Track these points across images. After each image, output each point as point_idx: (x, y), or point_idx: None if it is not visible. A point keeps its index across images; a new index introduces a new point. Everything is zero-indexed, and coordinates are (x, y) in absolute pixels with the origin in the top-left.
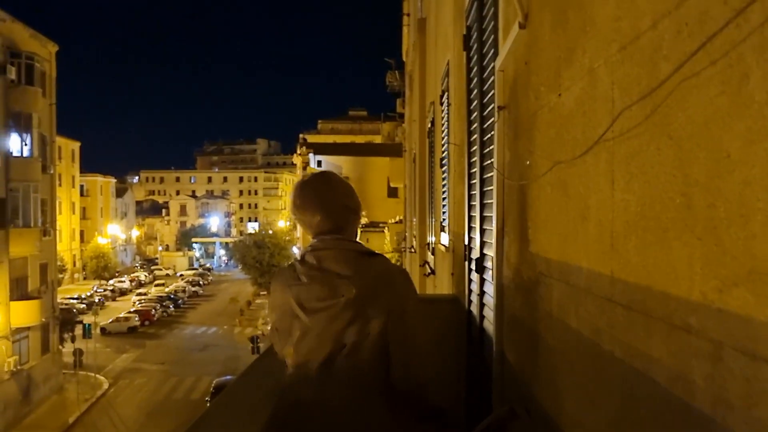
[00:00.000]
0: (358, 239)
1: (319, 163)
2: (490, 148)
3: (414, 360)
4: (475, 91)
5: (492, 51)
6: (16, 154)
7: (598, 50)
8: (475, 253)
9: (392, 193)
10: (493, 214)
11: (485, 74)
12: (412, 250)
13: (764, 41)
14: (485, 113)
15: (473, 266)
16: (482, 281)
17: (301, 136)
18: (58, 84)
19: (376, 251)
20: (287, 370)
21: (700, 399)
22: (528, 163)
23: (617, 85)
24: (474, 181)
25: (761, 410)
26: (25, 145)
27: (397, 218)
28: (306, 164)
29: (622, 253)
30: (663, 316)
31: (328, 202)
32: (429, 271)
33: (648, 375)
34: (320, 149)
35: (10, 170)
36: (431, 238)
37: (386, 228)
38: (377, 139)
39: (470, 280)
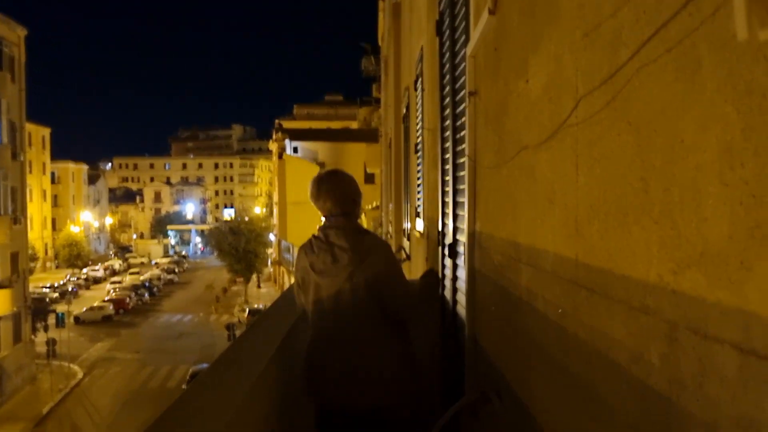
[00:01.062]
0: (359, 220)
1: (295, 149)
2: (462, 133)
3: (399, 301)
4: (448, 77)
5: (463, 37)
6: None
7: (563, 37)
8: (449, 239)
9: (369, 179)
10: (465, 200)
11: (457, 60)
12: (389, 236)
13: (715, 30)
14: (457, 99)
15: (446, 251)
16: (455, 266)
17: (276, 121)
18: (28, 69)
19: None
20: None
21: (656, 379)
22: (497, 148)
23: (581, 71)
24: (447, 167)
25: (711, 388)
26: None
27: (374, 204)
28: (282, 150)
29: (586, 237)
30: (623, 298)
31: (335, 193)
32: (405, 257)
33: (609, 357)
34: (296, 135)
35: None
36: (407, 224)
37: (363, 214)
38: (354, 125)
39: (443, 266)
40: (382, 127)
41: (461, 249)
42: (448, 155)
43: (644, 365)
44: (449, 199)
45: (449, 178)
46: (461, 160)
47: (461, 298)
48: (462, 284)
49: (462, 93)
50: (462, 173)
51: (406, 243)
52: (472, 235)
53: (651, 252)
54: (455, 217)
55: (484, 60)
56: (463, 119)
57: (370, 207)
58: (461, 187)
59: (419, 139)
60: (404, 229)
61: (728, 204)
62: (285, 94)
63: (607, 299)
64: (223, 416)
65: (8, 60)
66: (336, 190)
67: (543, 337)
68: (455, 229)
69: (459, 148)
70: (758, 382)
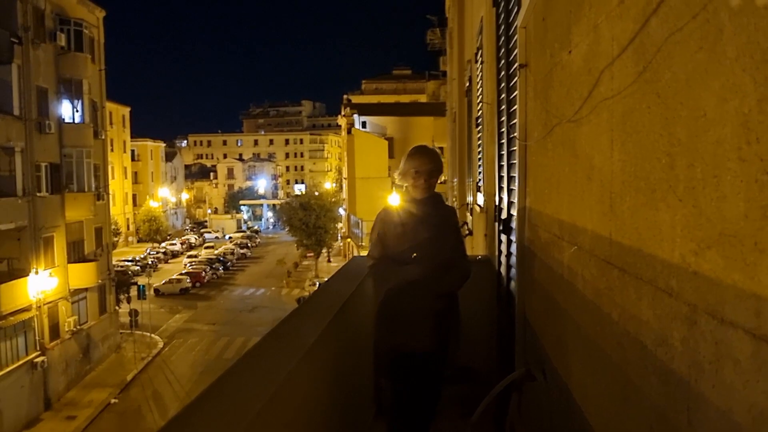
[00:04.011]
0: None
1: (364, 124)
2: (515, 107)
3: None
4: (503, 50)
5: (516, 8)
6: (68, 120)
7: (601, 4)
8: (504, 214)
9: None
10: (516, 175)
11: (511, 31)
12: None
13: None
14: (511, 72)
15: (501, 227)
16: (509, 242)
17: (345, 96)
18: (107, 50)
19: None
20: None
21: (678, 362)
22: (544, 122)
23: (616, 41)
24: (503, 141)
25: (726, 373)
26: (77, 111)
27: (443, 179)
28: (351, 125)
29: (618, 215)
30: (650, 278)
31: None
32: (467, 231)
33: (638, 338)
34: (364, 110)
35: (63, 136)
36: (469, 199)
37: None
38: (422, 99)
39: (500, 241)
40: (448, 101)
41: (514, 225)
42: (504, 129)
43: (668, 348)
44: (504, 174)
45: (504, 152)
46: (513, 135)
47: (514, 274)
48: (514, 261)
49: (515, 66)
50: (514, 148)
51: (468, 218)
52: (522, 211)
53: (675, 231)
54: (509, 192)
55: (534, 31)
56: (516, 93)
57: (438, 181)
58: (513, 162)
59: (479, 112)
60: (467, 204)
61: (745, 181)
62: (354, 69)
63: (636, 279)
64: (266, 391)
65: (88, 41)
66: (425, 162)
67: (581, 317)
68: (509, 205)
69: (512, 122)
70: None
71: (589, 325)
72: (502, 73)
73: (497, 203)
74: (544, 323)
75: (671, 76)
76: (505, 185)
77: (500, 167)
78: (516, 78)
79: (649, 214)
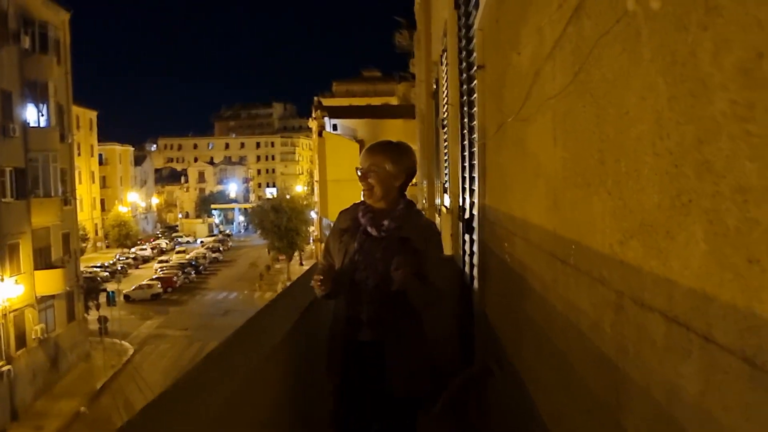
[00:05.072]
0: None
1: (335, 127)
2: (474, 108)
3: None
4: (464, 52)
5: (474, 10)
6: (33, 124)
7: (544, 7)
8: (467, 214)
9: None
10: (476, 175)
11: (470, 33)
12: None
13: None
14: (471, 73)
15: (465, 227)
16: (471, 241)
17: (315, 98)
18: (73, 53)
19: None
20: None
21: (608, 346)
22: (499, 122)
23: (558, 44)
24: (465, 142)
25: (645, 354)
26: (42, 114)
27: (413, 181)
28: (321, 128)
29: (561, 209)
30: (587, 269)
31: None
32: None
33: (577, 326)
34: (335, 112)
35: (28, 140)
36: (438, 201)
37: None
38: (393, 101)
39: (464, 241)
40: (417, 103)
41: (475, 223)
42: (465, 130)
43: (600, 334)
44: (467, 174)
45: (467, 153)
46: (474, 136)
47: (476, 272)
48: (476, 259)
49: (474, 67)
50: (474, 149)
51: (437, 219)
52: (481, 209)
53: (606, 223)
54: (471, 192)
55: (489, 33)
56: (475, 94)
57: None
58: (474, 162)
59: (445, 114)
60: (436, 205)
61: (658, 174)
62: (324, 70)
63: (576, 270)
64: (224, 391)
65: (53, 43)
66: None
67: (532, 310)
68: (471, 204)
69: (473, 123)
70: (677, 348)
71: (540, 318)
72: (464, 74)
73: (461, 203)
74: (501, 318)
75: (601, 76)
76: (467, 185)
77: (463, 168)
78: (475, 79)
79: (585, 207)
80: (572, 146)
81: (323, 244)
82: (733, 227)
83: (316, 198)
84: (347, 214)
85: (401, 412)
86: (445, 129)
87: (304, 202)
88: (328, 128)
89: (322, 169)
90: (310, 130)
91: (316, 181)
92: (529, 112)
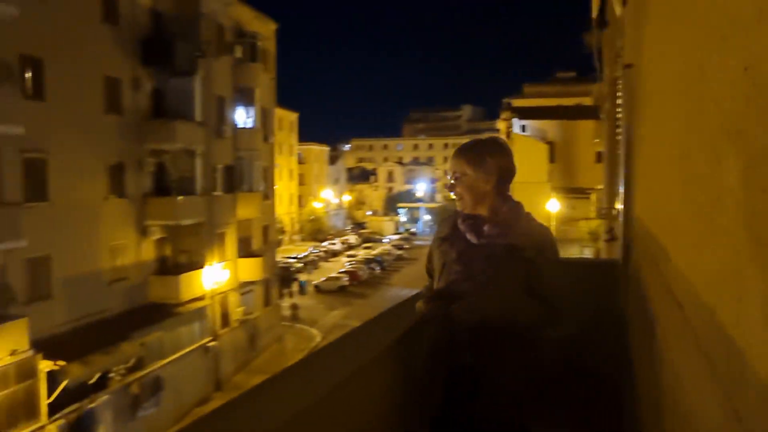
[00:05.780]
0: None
1: (523, 128)
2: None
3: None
4: None
5: None
6: (241, 125)
7: None
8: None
9: (600, 157)
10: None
11: None
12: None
13: None
14: None
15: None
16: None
17: (505, 100)
18: (277, 59)
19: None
20: None
21: None
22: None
23: None
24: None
25: None
26: (249, 117)
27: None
28: (510, 129)
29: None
30: None
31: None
32: (610, 237)
33: None
34: (524, 113)
35: (237, 140)
36: (618, 206)
37: (592, 194)
38: (587, 102)
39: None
40: (606, 103)
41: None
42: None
43: None
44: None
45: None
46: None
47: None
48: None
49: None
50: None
51: (615, 223)
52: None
53: None
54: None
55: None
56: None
57: (600, 186)
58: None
59: (620, 114)
60: (616, 208)
61: None
62: (515, 74)
63: None
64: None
65: (261, 52)
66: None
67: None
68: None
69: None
70: None
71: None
72: None
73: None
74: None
75: None
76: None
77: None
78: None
79: None
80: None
81: (427, 254)
82: None
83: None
84: (448, 222)
85: None
86: (620, 129)
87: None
88: (517, 129)
89: None
90: (498, 131)
91: None
92: None
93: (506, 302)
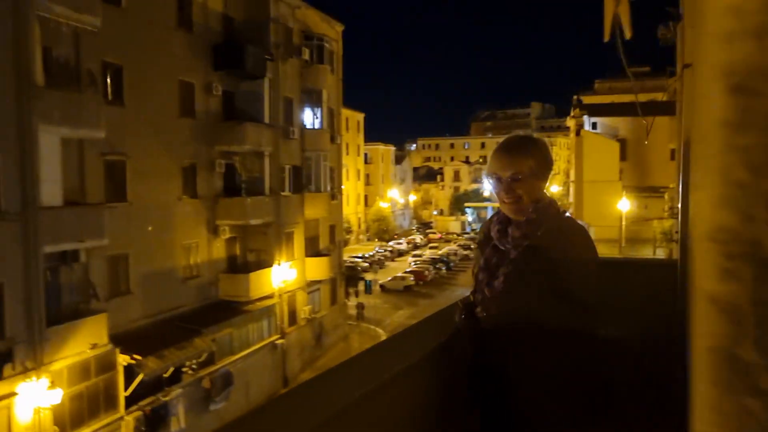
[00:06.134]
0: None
1: (594, 125)
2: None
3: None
4: None
5: None
6: (308, 126)
7: None
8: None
9: (674, 155)
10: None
11: None
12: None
13: None
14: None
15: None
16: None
17: (575, 97)
18: (344, 61)
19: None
20: None
21: None
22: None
23: None
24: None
25: None
26: (316, 118)
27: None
28: (580, 127)
29: None
30: None
31: None
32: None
33: None
34: (595, 110)
35: (304, 141)
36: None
37: (666, 193)
38: (662, 97)
39: None
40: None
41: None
42: None
43: None
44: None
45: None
46: None
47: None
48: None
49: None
50: None
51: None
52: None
53: None
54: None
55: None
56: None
57: (674, 185)
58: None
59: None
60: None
61: None
62: (587, 70)
63: None
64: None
65: (328, 54)
66: None
67: None
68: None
69: None
70: None
71: None
72: None
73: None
74: None
75: None
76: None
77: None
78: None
79: None
80: None
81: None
82: None
83: (570, 199)
84: (484, 226)
85: None
86: None
87: (559, 203)
88: (587, 127)
89: (578, 169)
90: (567, 129)
91: (572, 182)
92: None
93: (528, 306)
